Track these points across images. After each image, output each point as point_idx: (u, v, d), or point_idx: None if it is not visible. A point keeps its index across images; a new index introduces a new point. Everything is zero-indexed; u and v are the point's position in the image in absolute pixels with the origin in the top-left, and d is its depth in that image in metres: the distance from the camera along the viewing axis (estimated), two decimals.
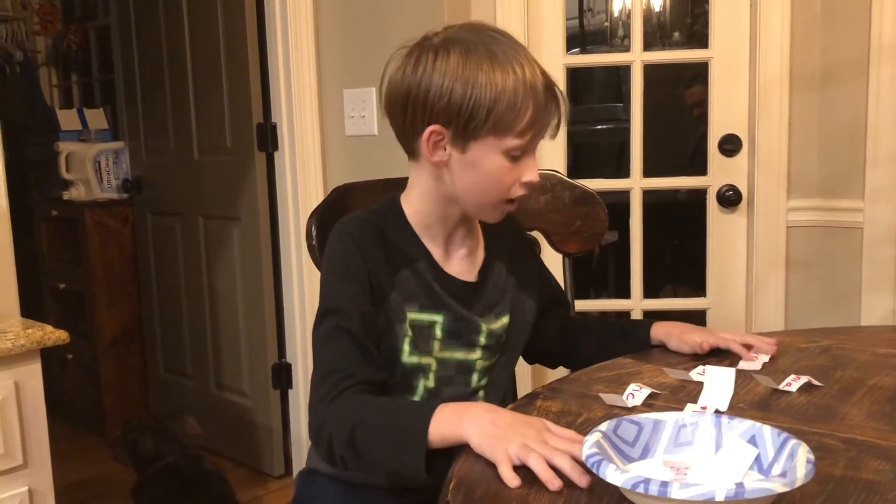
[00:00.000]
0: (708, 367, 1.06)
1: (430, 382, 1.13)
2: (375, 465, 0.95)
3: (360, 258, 1.08)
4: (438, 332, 1.12)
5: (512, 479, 0.79)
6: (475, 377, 1.16)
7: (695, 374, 1.08)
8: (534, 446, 0.81)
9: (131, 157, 3.23)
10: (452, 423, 0.89)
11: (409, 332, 1.10)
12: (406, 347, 1.10)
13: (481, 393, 1.17)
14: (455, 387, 1.14)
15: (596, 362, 1.18)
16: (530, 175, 1.07)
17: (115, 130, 3.50)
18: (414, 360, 1.11)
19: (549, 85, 1.05)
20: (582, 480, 0.77)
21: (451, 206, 1.12)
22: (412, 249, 1.13)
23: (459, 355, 1.14)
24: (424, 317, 1.11)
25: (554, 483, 0.77)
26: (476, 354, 1.15)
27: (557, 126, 1.08)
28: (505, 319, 1.18)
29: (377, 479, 1.08)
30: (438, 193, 1.11)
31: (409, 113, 1.06)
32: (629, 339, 1.25)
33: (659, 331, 1.23)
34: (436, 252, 1.14)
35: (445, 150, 1.06)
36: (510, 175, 1.07)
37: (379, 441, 0.94)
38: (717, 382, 1.02)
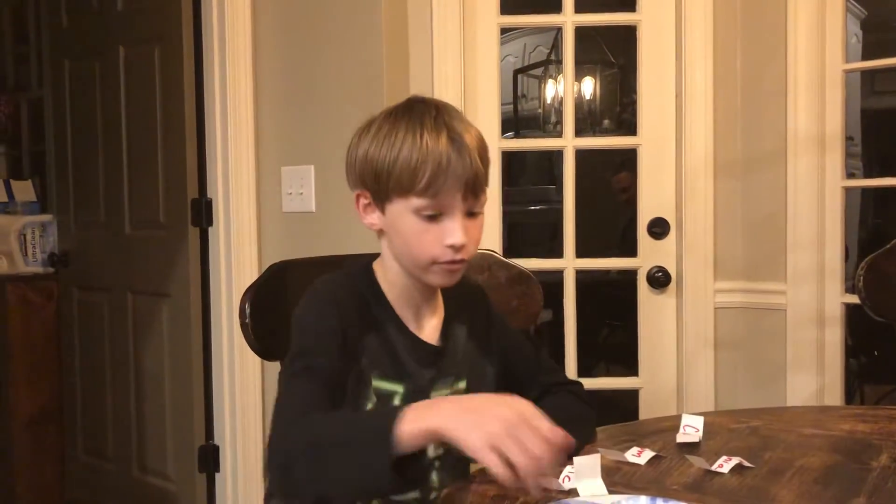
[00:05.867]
0: (576, 459, 0.97)
1: None
2: (337, 476, 0.89)
3: (336, 315, 1.07)
4: (397, 403, 1.10)
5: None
6: (431, 447, 1.12)
7: (630, 455, 1.09)
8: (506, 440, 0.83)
9: (59, 231, 3.14)
10: (422, 417, 0.87)
11: (374, 399, 1.09)
12: None
13: (437, 464, 1.14)
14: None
15: None
16: (452, 238, 1.06)
17: (44, 203, 3.41)
18: None
19: (458, 147, 1.04)
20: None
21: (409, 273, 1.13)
22: (383, 315, 1.13)
23: None
24: (385, 385, 1.10)
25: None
26: None
27: (474, 185, 1.05)
28: (462, 385, 1.17)
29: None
30: (396, 261, 1.13)
31: (349, 182, 1.13)
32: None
33: None
34: (408, 318, 1.14)
35: (376, 214, 1.11)
36: (427, 236, 1.06)
37: (341, 448, 0.89)
38: (585, 472, 0.97)
